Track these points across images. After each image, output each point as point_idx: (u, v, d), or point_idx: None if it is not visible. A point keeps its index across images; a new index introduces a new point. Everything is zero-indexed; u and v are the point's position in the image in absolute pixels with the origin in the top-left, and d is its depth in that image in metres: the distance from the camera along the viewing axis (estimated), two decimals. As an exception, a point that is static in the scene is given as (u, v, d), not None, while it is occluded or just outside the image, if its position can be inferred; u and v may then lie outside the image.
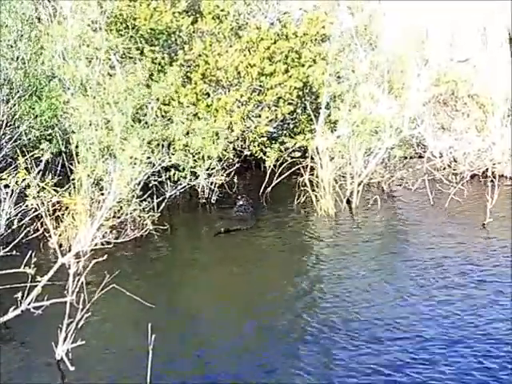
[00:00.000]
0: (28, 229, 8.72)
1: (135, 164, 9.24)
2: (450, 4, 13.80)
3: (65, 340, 6.35)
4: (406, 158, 12.65)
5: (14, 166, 9.05)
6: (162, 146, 10.31)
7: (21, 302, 6.68)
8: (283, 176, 11.81)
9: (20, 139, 10.21)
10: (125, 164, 9.13)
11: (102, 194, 9.19)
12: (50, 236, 8.45)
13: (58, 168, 10.27)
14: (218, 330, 7.09)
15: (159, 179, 10.41)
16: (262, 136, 12.11)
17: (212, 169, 11.02)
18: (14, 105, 10.40)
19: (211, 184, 11.11)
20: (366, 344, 6.68)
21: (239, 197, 11.61)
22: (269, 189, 11.66)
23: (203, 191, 11.23)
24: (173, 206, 10.90)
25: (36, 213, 8.48)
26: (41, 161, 9.19)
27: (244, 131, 11.89)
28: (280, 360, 6.49)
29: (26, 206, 8.53)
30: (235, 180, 11.70)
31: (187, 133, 10.88)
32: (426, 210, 11.15)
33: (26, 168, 8.58)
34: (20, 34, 10.97)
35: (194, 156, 10.86)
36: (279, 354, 6.59)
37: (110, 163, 9.37)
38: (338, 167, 11.42)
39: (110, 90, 10.08)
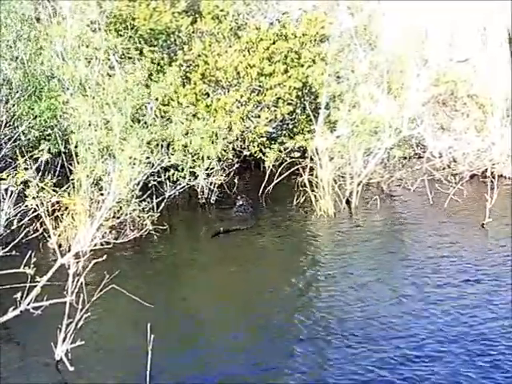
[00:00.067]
0: (27, 229, 8.71)
1: (134, 164, 9.24)
2: (449, 4, 13.80)
3: (64, 340, 6.36)
4: (405, 158, 12.66)
5: (13, 166, 9.04)
6: (162, 146, 10.31)
7: (20, 303, 6.68)
8: (283, 176, 11.81)
9: (19, 139, 10.21)
10: (124, 164, 9.13)
11: (102, 195, 9.19)
12: (49, 236, 8.44)
13: (58, 168, 10.27)
14: (217, 329, 7.10)
15: (158, 179, 10.42)
16: (262, 136, 12.11)
17: (211, 169, 11.02)
18: (14, 105, 10.41)
19: (210, 184, 11.12)
20: (361, 343, 6.71)
21: (239, 197, 11.61)
22: (268, 189, 11.66)
23: (202, 191, 11.23)
24: (172, 206, 10.90)
25: (35, 213, 8.47)
26: (40, 161, 9.19)
27: (243, 131, 11.90)
28: (278, 360, 6.49)
29: (26, 206, 8.53)
30: (235, 180, 11.69)
31: (186, 133, 10.87)
32: (426, 210, 11.15)
33: (26, 168, 8.58)
34: (19, 34, 10.98)
35: (193, 156, 10.86)
36: (277, 354, 6.60)
37: (110, 163, 9.38)
38: (338, 167, 11.42)
39: (109, 90, 10.08)
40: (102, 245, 8.50)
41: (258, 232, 10.29)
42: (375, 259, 9.03)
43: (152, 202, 10.02)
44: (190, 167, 10.84)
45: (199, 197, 11.27)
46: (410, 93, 12.06)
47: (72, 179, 9.47)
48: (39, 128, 10.42)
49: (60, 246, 8.66)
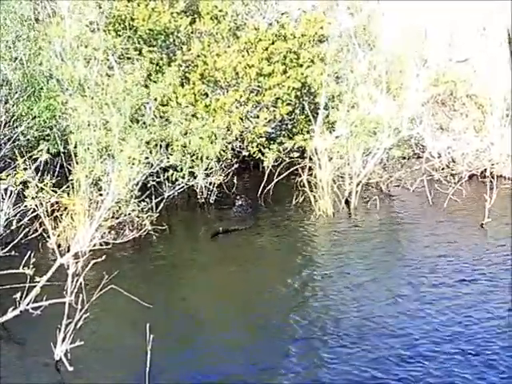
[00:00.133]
0: (27, 229, 8.73)
1: (133, 164, 9.24)
2: (449, 4, 13.81)
3: (63, 340, 6.36)
4: (404, 158, 12.65)
5: (12, 166, 9.04)
6: (160, 146, 10.32)
7: (20, 303, 6.69)
8: (282, 176, 11.80)
9: (18, 140, 10.21)
10: (123, 164, 9.13)
11: (101, 195, 9.19)
12: (48, 236, 8.42)
13: (57, 168, 10.27)
14: (217, 329, 7.10)
15: (158, 179, 10.42)
16: (261, 136, 12.11)
17: (210, 169, 11.02)
18: (13, 105, 10.41)
19: (210, 184, 11.11)
20: (357, 343, 6.73)
21: (238, 197, 11.62)
22: (267, 189, 11.65)
23: (202, 191, 11.22)
24: (171, 207, 10.90)
25: (35, 213, 8.47)
26: (40, 161, 9.20)
27: (242, 132, 11.90)
28: (276, 359, 6.50)
29: (25, 206, 8.54)
30: (234, 180, 11.69)
31: (185, 133, 10.87)
32: (425, 210, 11.16)
33: (25, 169, 8.58)
34: (19, 35, 10.98)
35: (191, 156, 10.86)
36: (276, 354, 6.61)
37: (109, 164, 9.38)
38: (337, 167, 11.42)
39: (108, 90, 10.08)
40: (101, 245, 8.50)
41: (257, 232, 10.29)
42: (374, 259, 9.04)
43: (151, 202, 10.01)
44: (189, 167, 10.84)
45: (198, 197, 11.27)
46: (409, 93, 12.06)
47: (71, 179, 9.46)
48: (38, 128, 10.41)
49: (59, 246, 8.64)
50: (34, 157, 9.19)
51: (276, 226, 10.55)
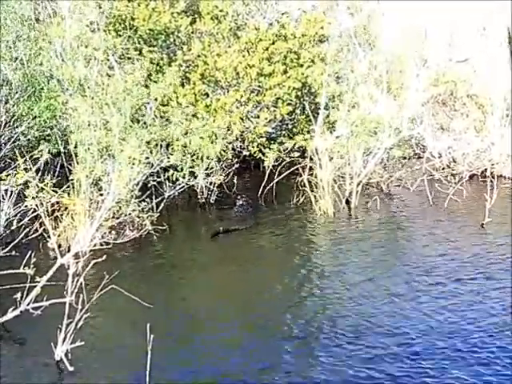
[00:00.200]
0: (27, 229, 8.73)
1: (134, 164, 9.24)
2: (449, 4, 13.81)
3: (64, 340, 6.36)
4: (404, 158, 12.66)
5: (13, 166, 9.04)
6: (161, 146, 10.32)
7: (20, 303, 6.69)
8: (282, 176, 11.80)
9: (19, 140, 10.21)
10: (123, 164, 9.13)
11: (101, 195, 9.19)
12: (49, 236, 8.42)
13: (57, 168, 10.27)
14: (217, 329, 7.09)
15: (158, 179, 10.41)
16: (261, 136, 12.11)
17: (211, 169, 11.02)
18: (13, 105, 10.41)
19: (210, 184, 11.11)
20: (358, 342, 6.74)
21: (238, 197, 11.62)
22: (268, 189, 11.65)
23: (202, 191, 11.22)
24: (172, 207, 10.90)
25: (35, 213, 8.48)
26: (40, 161, 9.20)
27: (243, 132, 11.90)
28: (277, 359, 6.51)
29: (26, 206, 8.54)
30: (234, 180, 11.69)
31: (186, 133, 10.87)
32: (425, 209, 11.16)
33: (25, 169, 8.58)
34: (19, 35, 10.98)
35: (192, 156, 10.86)
36: (276, 353, 6.61)
37: (109, 164, 9.38)
38: (337, 167, 11.42)
39: (108, 90, 10.08)
40: (101, 245, 8.50)
41: (257, 232, 10.29)
42: (374, 259, 9.03)
43: (151, 202, 10.01)
44: (190, 167, 10.83)
45: (199, 197, 11.26)
46: (409, 93, 12.06)
47: (71, 179, 9.46)
48: (39, 128, 10.42)
49: (60, 246, 8.64)
50: (34, 157, 9.20)
51: (276, 225, 10.54)
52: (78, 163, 9.56)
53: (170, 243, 9.69)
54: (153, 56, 11.47)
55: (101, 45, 10.73)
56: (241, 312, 7.58)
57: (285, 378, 6.19)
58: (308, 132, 12.42)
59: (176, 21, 11.60)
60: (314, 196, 11.00)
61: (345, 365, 6.35)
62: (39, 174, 8.95)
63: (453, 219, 10.57)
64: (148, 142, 9.89)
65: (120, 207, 9.33)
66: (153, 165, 9.96)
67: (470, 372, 6.21)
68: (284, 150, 12.29)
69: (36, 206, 8.23)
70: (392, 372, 6.22)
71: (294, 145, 12.42)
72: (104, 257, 7.28)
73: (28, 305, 6.70)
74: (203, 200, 11.28)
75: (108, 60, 11.19)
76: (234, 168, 11.58)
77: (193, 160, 10.90)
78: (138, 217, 9.60)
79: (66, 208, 9.17)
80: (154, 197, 10.21)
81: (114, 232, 9.21)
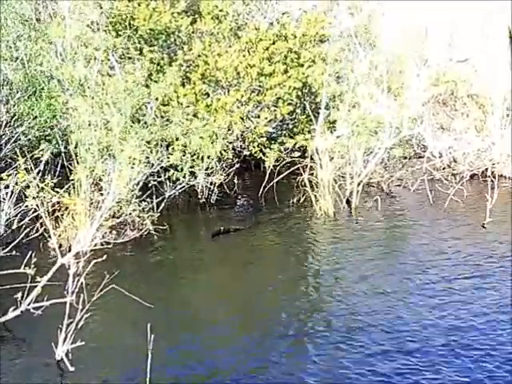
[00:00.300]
0: (28, 229, 8.73)
1: (134, 164, 9.24)
2: (449, 4, 13.81)
3: (64, 340, 6.35)
4: (405, 157, 12.67)
5: (13, 166, 9.05)
6: (161, 146, 10.31)
7: (21, 303, 6.69)
8: (283, 176, 11.80)
9: (20, 139, 10.22)
10: (124, 164, 9.13)
11: (102, 195, 9.19)
12: (49, 236, 8.44)
13: (58, 168, 10.28)
14: (217, 329, 7.10)
15: (158, 179, 10.41)
16: (262, 136, 12.11)
17: (211, 169, 11.01)
18: (14, 105, 10.41)
19: (210, 184, 11.10)
20: (359, 346, 6.71)
21: (239, 197, 11.61)
22: (268, 189, 11.65)
23: (202, 191, 11.21)
24: (172, 206, 10.90)
25: (36, 213, 8.48)
26: (40, 161, 9.22)
27: (243, 131, 11.90)
28: (275, 359, 6.50)
29: (26, 206, 8.54)
30: (235, 180, 11.69)
31: (186, 133, 10.87)
32: (426, 209, 11.15)
33: (26, 169, 8.58)
34: (20, 35, 10.99)
35: (192, 156, 10.86)
36: (276, 353, 6.60)
37: (109, 163, 9.38)
38: (338, 167, 11.42)
39: (108, 90, 10.08)
40: (102, 245, 8.49)
41: (258, 232, 10.29)
42: (376, 259, 9.01)
43: (152, 202, 10.02)
44: (190, 167, 10.83)
45: (199, 197, 11.26)
46: (409, 93, 12.06)
47: (72, 179, 9.46)
48: (39, 128, 10.42)
49: (60, 246, 8.65)
50: (35, 157, 9.20)
51: (277, 225, 10.54)
52: (78, 163, 9.56)
53: (170, 243, 9.68)
54: (153, 56, 11.46)
55: (101, 45, 10.73)
56: (241, 312, 7.57)
57: (284, 377, 6.20)
58: (309, 132, 12.42)
59: (176, 21, 11.59)
60: (315, 196, 11.00)
61: (346, 362, 6.38)
62: (40, 174, 8.96)
63: (453, 219, 10.56)
64: (148, 142, 9.89)
65: (120, 207, 9.33)
66: (153, 165, 9.95)
67: (469, 369, 6.23)
68: (285, 150, 12.30)
69: (37, 205, 8.22)
70: (392, 368, 6.25)
71: (295, 144, 12.42)
72: (104, 257, 7.27)
73: (29, 305, 6.70)
74: (204, 200, 11.27)
75: (108, 60, 11.19)
76: (234, 168, 11.57)
77: (193, 160, 10.89)
78: (139, 217, 9.60)
79: (67, 208, 9.18)
80: (154, 197, 10.21)
81: (114, 232, 9.21)
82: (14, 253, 7.90)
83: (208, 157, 10.93)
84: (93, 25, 11.05)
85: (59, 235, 9.00)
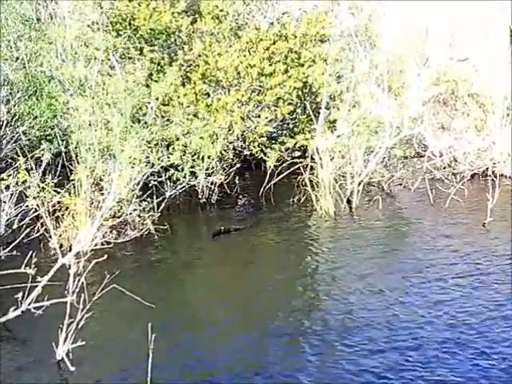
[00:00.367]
0: (28, 229, 8.73)
1: (134, 164, 9.24)
2: (449, 4, 13.82)
3: (65, 340, 6.36)
4: (406, 157, 12.67)
5: (14, 166, 9.05)
6: (161, 145, 10.31)
7: (21, 303, 6.69)
8: (283, 176, 11.80)
9: (20, 139, 10.22)
10: (124, 164, 9.13)
11: (102, 194, 9.19)
12: (50, 236, 8.44)
13: (58, 168, 10.27)
14: (217, 329, 7.10)
15: (159, 179, 10.41)
16: (262, 136, 12.11)
17: (211, 169, 11.01)
18: (14, 105, 10.42)
19: (211, 184, 11.10)
20: (360, 345, 6.72)
21: (239, 197, 11.61)
22: (269, 188, 11.65)
23: (203, 191, 11.21)
24: (173, 206, 10.90)
25: (36, 213, 8.49)
26: (41, 161, 9.22)
27: (244, 131, 11.90)
28: (276, 358, 6.51)
29: (27, 206, 8.54)
30: (235, 180, 11.69)
31: (187, 133, 10.87)
32: (426, 209, 11.15)
33: (26, 169, 8.59)
34: (20, 35, 10.99)
35: (193, 156, 10.86)
36: (276, 352, 6.62)
37: (110, 163, 9.38)
38: (338, 167, 11.41)
39: (109, 90, 10.08)
40: (102, 244, 8.49)
41: (258, 231, 10.28)
42: (377, 259, 9.02)
43: (152, 201, 10.02)
44: (191, 167, 10.83)
45: (200, 197, 11.25)
46: (410, 92, 12.06)
47: (72, 179, 9.46)
48: (40, 128, 10.42)
49: (61, 245, 8.65)
50: (35, 157, 9.20)
51: (278, 225, 10.54)
52: (78, 163, 9.56)
53: (171, 243, 9.68)
54: (154, 56, 11.46)
55: (101, 44, 10.73)
56: (241, 311, 7.57)
57: (283, 376, 6.20)
58: (309, 131, 12.41)
59: (177, 20, 11.59)
60: (315, 195, 11.00)
61: (344, 360, 6.41)
62: (40, 174, 8.97)
63: (454, 218, 10.55)
64: (149, 142, 9.89)
65: (121, 207, 9.33)
66: (153, 164, 9.95)
67: (465, 368, 6.27)
68: (285, 150, 12.30)
69: (37, 205, 8.23)
70: (388, 367, 6.29)
71: (295, 144, 12.42)
72: (105, 256, 7.28)
73: (29, 304, 6.70)
74: (204, 200, 11.26)
75: (109, 60, 11.19)
76: (235, 168, 11.57)
77: (194, 160, 10.89)
78: (139, 216, 9.60)
79: (67, 208, 9.18)
80: (154, 196, 10.21)
81: (115, 231, 9.22)
82: (14, 253, 7.91)
83: (208, 157, 10.93)
84: (93, 25, 11.05)
85: (60, 235, 9.00)
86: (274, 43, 11.91)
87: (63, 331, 6.34)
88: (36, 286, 6.70)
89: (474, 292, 7.84)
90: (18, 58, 10.87)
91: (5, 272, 7.30)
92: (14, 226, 8.80)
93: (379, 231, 10.22)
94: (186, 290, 8.28)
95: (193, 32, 11.90)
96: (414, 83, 12.10)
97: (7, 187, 8.61)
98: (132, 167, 9.21)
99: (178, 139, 10.74)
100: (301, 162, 11.71)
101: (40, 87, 10.75)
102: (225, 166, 11.30)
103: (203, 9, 11.96)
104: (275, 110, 12.11)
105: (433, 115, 12.98)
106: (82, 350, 6.37)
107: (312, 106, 12.25)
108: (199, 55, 11.66)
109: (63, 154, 10.17)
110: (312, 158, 11.36)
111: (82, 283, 6.60)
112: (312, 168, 11.29)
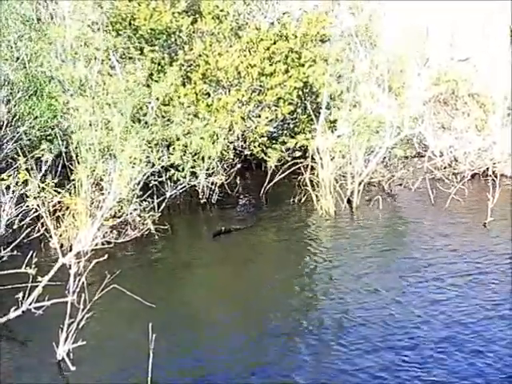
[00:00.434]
0: (29, 229, 8.73)
1: (135, 164, 9.24)
2: (450, 4, 13.81)
3: (66, 340, 6.36)
4: (406, 157, 12.67)
5: (14, 166, 9.05)
6: (162, 145, 10.31)
7: (22, 303, 6.68)
8: (284, 176, 11.80)
9: (21, 139, 10.22)
10: (124, 164, 9.13)
11: (103, 194, 9.19)
12: (50, 236, 8.44)
13: (59, 168, 10.27)
14: (217, 328, 7.10)
15: (159, 179, 10.41)
16: (263, 136, 12.11)
17: (212, 169, 11.01)
18: (15, 105, 10.41)
19: (211, 184, 11.10)
20: (357, 344, 6.72)
21: (240, 196, 11.61)
22: (269, 188, 11.65)
23: (203, 191, 11.21)
24: (173, 206, 10.90)
25: (37, 213, 8.49)
26: (41, 161, 9.22)
27: (244, 131, 11.89)
28: (274, 359, 6.51)
29: (27, 206, 8.54)
30: (236, 180, 11.69)
31: (187, 133, 10.87)
32: (427, 209, 11.15)
33: (27, 169, 8.59)
34: (20, 35, 10.99)
35: (193, 156, 10.86)
36: (276, 352, 6.61)
37: (110, 163, 9.38)
38: (339, 167, 11.41)
39: (109, 90, 10.08)
40: (103, 244, 8.50)
41: (259, 231, 10.29)
42: (377, 259, 9.01)
43: (153, 201, 10.02)
44: (191, 167, 10.83)
45: (200, 197, 11.25)
46: (410, 92, 12.07)
47: (73, 179, 9.46)
48: (40, 128, 10.42)
49: (61, 245, 8.66)
50: (36, 157, 9.21)
51: (278, 225, 10.55)
52: (79, 163, 9.57)
53: (171, 243, 9.69)
54: (154, 56, 11.45)
55: (102, 44, 10.73)
56: (241, 311, 7.57)
57: (282, 375, 6.21)
58: (309, 131, 12.41)
59: (177, 20, 11.58)
60: (316, 195, 11.00)
61: (342, 360, 6.43)
62: (41, 174, 8.97)
63: (454, 218, 10.56)
64: (149, 142, 9.89)
65: (121, 207, 9.34)
66: (154, 164, 9.95)
67: (462, 367, 6.28)
68: (286, 150, 12.30)
69: (38, 205, 8.23)
70: (385, 366, 6.30)
71: (296, 144, 12.42)
72: (106, 256, 7.27)
73: (30, 304, 6.70)
74: (205, 200, 11.27)
75: (109, 60, 11.19)
76: (235, 168, 11.57)
77: (194, 160, 10.89)
78: (140, 216, 9.60)
79: (68, 208, 9.18)
80: (155, 196, 10.21)
81: (115, 231, 9.22)
82: (15, 253, 7.90)
83: (209, 157, 10.93)
84: (93, 25, 11.05)
85: (60, 235, 9.01)
86: (274, 43, 11.91)
87: (64, 331, 6.34)
88: (36, 286, 6.70)
89: (472, 291, 7.85)
90: (18, 58, 10.86)
91: (5, 272, 7.30)
92: (15, 226, 8.80)
93: (379, 231, 10.22)
94: (186, 290, 8.28)
95: (193, 32, 11.90)
96: (415, 83, 12.11)
97: (8, 187, 8.60)
98: (132, 167, 9.21)
99: (178, 139, 10.75)
100: (301, 162, 11.71)
101: (40, 87, 10.74)
102: (225, 166, 11.30)
103: (203, 9, 11.96)
104: (276, 110, 12.10)
105: (433, 115, 13.00)
106: (83, 349, 6.37)
107: (312, 106, 12.25)
108: (200, 55, 11.66)
109: (63, 154, 10.17)
110: (312, 158, 11.36)
111: (83, 283, 6.59)
112: (312, 168, 11.30)
